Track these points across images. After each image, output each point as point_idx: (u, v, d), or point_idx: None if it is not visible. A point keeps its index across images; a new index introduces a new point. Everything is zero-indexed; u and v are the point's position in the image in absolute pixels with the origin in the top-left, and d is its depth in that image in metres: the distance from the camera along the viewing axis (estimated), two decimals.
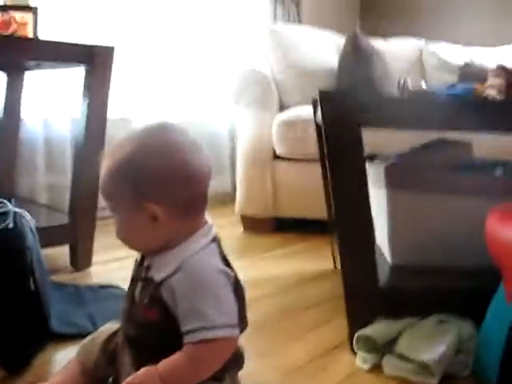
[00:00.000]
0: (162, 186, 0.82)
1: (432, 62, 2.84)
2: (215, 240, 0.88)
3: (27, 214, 1.30)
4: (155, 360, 0.80)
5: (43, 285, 1.25)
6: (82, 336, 1.20)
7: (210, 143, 2.83)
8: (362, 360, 1.16)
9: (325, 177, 1.83)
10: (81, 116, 1.66)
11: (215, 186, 2.81)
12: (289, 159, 2.27)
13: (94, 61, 1.62)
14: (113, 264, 1.82)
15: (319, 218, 2.25)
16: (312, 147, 2.18)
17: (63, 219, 1.70)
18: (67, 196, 1.79)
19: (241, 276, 0.88)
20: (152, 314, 0.82)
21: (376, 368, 1.14)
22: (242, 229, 2.38)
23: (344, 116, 1.12)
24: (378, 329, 1.18)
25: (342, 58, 2.52)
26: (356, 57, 2.44)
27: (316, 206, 2.22)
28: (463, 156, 1.34)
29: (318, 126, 1.77)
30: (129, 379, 0.78)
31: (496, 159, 1.34)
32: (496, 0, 3.18)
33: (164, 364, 0.79)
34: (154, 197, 0.81)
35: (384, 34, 2.80)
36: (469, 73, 2.63)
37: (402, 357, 1.13)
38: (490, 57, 2.74)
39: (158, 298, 0.81)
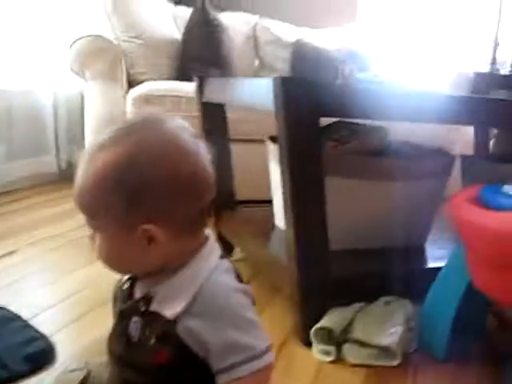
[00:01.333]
0: (164, 200, 0.64)
1: (265, 37, 2.87)
2: (223, 256, 0.73)
3: None
4: None
5: None
6: None
7: (31, 118, 2.45)
8: (322, 353, 1.14)
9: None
10: None
11: (38, 166, 2.47)
12: None
13: None
14: None
15: None
16: None
17: None
18: None
19: None
20: (163, 355, 0.65)
21: (338, 359, 1.13)
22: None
23: (307, 105, 1.05)
24: (332, 318, 1.17)
25: (189, 30, 2.38)
26: (205, 31, 2.34)
27: None
28: (383, 141, 1.39)
29: (203, 105, 1.66)
30: None
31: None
32: None
33: None
34: (153, 214, 0.63)
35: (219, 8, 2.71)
36: (302, 49, 2.74)
37: (360, 343, 1.15)
38: (318, 38, 2.88)
39: (172, 336, 0.65)
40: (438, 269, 1.26)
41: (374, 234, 1.37)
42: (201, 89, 1.63)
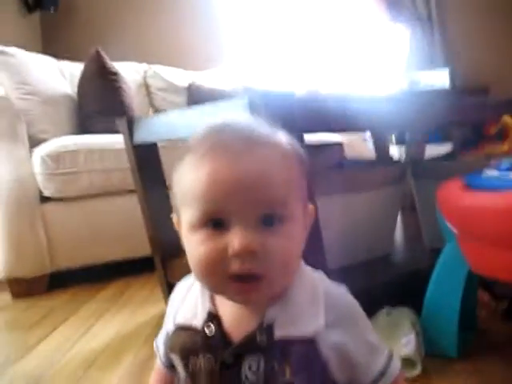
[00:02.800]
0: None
1: (157, 84, 2.80)
2: None
3: None
4: None
5: None
6: None
7: None
8: None
9: (145, 209, 1.59)
10: None
11: None
12: (61, 199, 1.88)
13: None
14: None
15: (107, 262, 1.98)
16: (86, 182, 1.90)
17: None
18: None
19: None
20: None
21: None
22: (9, 297, 1.85)
23: (289, 121, 0.99)
24: None
25: (85, 82, 2.24)
26: (103, 80, 2.21)
27: (101, 249, 1.95)
28: (340, 156, 1.38)
29: (136, 151, 1.53)
30: None
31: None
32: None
33: None
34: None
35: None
36: (197, 92, 2.70)
37: None
38: (209, 79, 2.87)
39: (312, 360, 0.54)
40: (418, 272, 1.26)
41: (342, 250, 1.34)
42: (130, 131, 1.51)
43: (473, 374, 1.07)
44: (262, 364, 0.54)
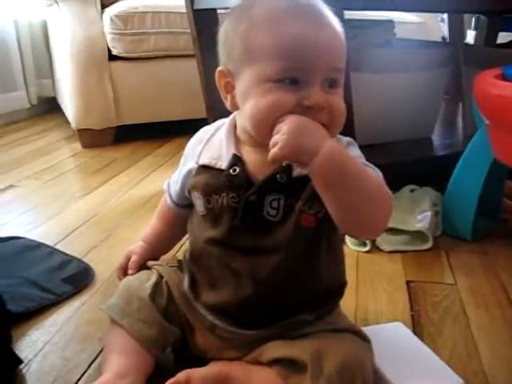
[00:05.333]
0: None
1: None
2: None
3: None
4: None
5: None
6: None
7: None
8: (357, 244, 1.17)
9: (202, 74, 1.67)
10: None
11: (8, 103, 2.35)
12: (128, 59, 1.99)
13: None
14: None
15: (166, 120, 2.12)
16: (152, 43, 1.99)
17: None
18: None
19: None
20: (311, 218, 0.63)
21: (373, 248, 1.17)
22: (79, 146, 2.05)
23: None
24: None
25: None
26: None
27: (163, 109, 2.08)
28: (389, 34, 1.37)
29: (195, 16, 1.58)
30: None
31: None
32: None
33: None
34: None
35: None
36: None
37: (392, 231, 1.18)
38: None
39: None
40: (453, 156, 1.29)
41: (383, 128, 1.38)
42: None
43: (478, 254, 1.15)
44: (282, 201, 0.63)
